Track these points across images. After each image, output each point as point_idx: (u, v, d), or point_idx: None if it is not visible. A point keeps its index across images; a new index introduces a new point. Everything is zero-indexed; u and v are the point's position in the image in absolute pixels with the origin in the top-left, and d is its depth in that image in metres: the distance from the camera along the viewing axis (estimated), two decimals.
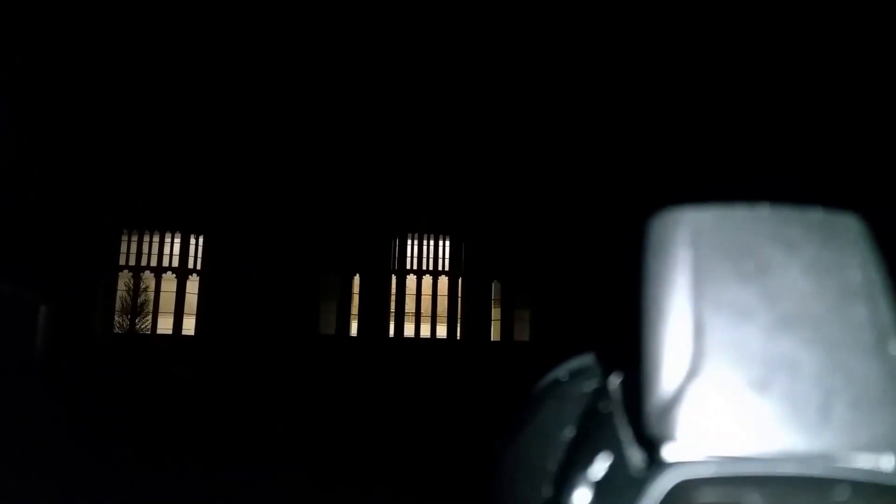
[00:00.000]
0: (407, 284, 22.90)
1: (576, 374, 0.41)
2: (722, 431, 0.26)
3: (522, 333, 22.87)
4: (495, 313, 23.00)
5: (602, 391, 0.37)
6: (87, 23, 19.54)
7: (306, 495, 5.83)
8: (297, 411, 12.24)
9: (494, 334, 22.89)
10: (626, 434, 0.31)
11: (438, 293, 22.93)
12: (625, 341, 0.31)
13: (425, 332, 22.73)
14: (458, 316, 22.74)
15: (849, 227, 0.29)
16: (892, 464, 0.26)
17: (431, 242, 23.16)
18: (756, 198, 0.31)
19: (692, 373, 0.27)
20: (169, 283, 22.00)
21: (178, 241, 22.24)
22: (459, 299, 22.85)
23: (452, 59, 22.12)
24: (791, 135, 20.00)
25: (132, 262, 21.96)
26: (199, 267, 22.24)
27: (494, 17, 21.71)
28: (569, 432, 0.37)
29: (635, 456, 0.29)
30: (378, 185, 22.33)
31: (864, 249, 0.29)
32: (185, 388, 14.80)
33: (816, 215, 0.30)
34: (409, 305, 22.79)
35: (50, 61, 18.96)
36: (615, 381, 0.36)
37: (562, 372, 0.43)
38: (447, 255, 23.12)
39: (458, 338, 22.55)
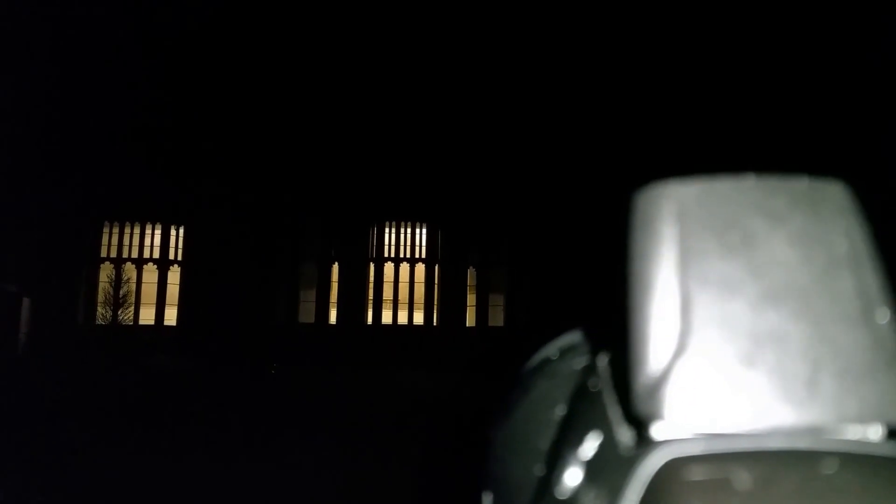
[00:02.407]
0: (384, 272, 23.24)
1: (566, 352, 0.42)
2: (710, 408, 0.26)
3: (497, 319, 23.30)
4: (470, 299, 23.37)
5: (591, 369, 0.38)
6: (65, 16, 19.61)
7: (288, 485, 6.02)
8: (277, 400, 12.61)
9: (470, 320, 23.28)
10: (615, 412, 0.31)
11: (415, 280, 23.25)
12: (613, 318, 0.31)
13: (403, 318, 23.05)
14: (435, 302, 23.12)
15: (834, 195, 0.29)
16: (880, 434, 0.26)
17: (408, 230, 23.40)
18: (741, 170, 0.31)
19: (680, 349, 0.27)
20: (150, 274, 22.19)
21: (158, 232, 22.39)
22: (436, 286, 23.19)
23: (427, 50, 22.28)
24: (771, 124, 20.28)
25: (114, 254, 22.10)
26: (180, 258, 22.49)
27: (470, 9, 21.90)
28: (560, 411, 0.38)
29: (625, 434, 0.29)
30: (355, 174, 22.47)
31: (850, 217, 0.29)
32: (167, 378, 15.09)
33: (802, 184, 0.30)
34: (387, 293, 23.10)
35: (31, 57, 19.03)
36: (604, 358, 0.37)
37: (552, 350, 0.43)
38: (423, 243, 23.39)
39: (435, 324, 22.93)
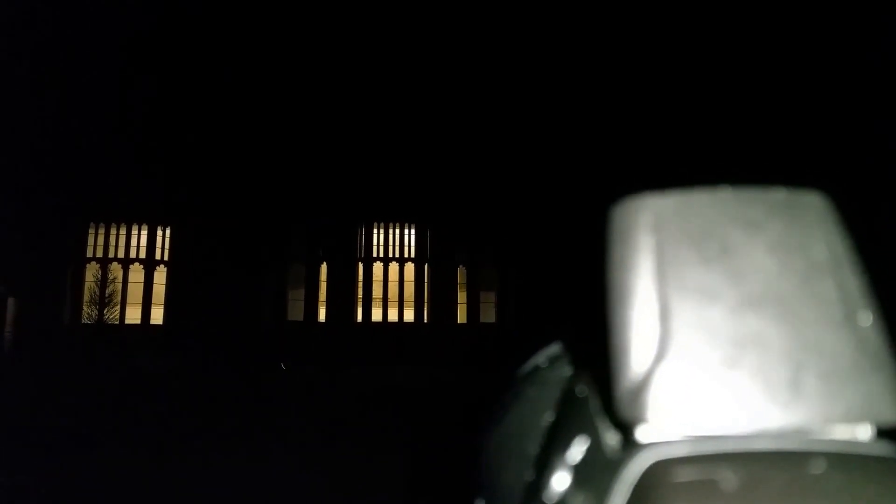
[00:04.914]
0: (374, 271, 23.16)
1: (555, 360, 0.43)
2: (694, 410, 0.26)
3: (488, 315, 23.28)
4: (461, 297, 23.33)
5: (579, 376, 0.38)
6: (51, 15, 19.47)
7: (276, 484, 5.95)
8: (266, 398, 12.51)
9: (461, 317, 23.24)
10: (601, 417, 0.31)
11: (405, 279, 23.19)
12: (596, 326, 0.31)
13: (393, 316, 23.02)
14: (425, 300, 23.06)
15: (813, 204, 0.30)
16: (869, 433, 0.26)
17: (397, 230, 23.38)
18: (719, 181, 0.31)
19: (661, 354, 0.27)
20: (136, 274, 22.09)
21: (145, 232, 22.29)
22: (426, 284, 23.14)
23: (412, 51, 22.29)
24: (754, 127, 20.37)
25: (100, 254, 22.00)
26: (166, 258, 22.37)
27: (456, 15, 21.92)
28: (548, 417, 0.39)
29: (611, 438, 0.30)
30: (343, 174, 22.46)
31: (829, 226, 0.29)
32: (152, 377, 14.95)
33: (779, 195, 0.30)
34: (377, 291, 23.05)
35: (18, 58, 18.87)
36: (590, 365, 0.37)
37: (541, 358, 0.44)
38: (413, 242, 23.38)
39: (426, 321, 22.88)
